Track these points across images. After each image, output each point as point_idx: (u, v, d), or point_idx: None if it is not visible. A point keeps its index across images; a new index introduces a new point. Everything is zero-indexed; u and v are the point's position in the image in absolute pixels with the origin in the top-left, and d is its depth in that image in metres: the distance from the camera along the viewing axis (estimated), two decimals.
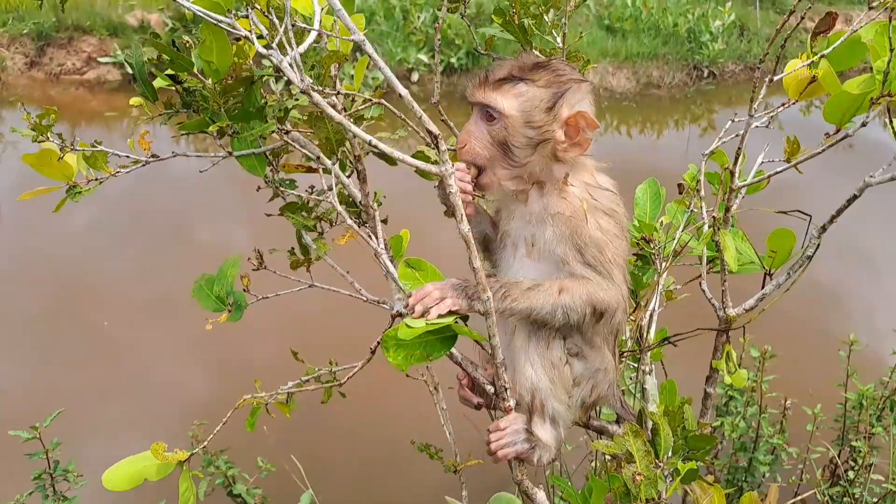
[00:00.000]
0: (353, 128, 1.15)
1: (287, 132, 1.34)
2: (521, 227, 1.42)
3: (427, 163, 1.31)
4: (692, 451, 1.46)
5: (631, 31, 9.85)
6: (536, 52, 1.55)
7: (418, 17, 9.40)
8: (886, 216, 6.40)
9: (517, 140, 1.36)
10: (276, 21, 1.11)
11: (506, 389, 1.41)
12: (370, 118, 1.46)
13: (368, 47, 1.11)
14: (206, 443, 1.38)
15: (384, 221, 1.48)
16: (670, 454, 1.44)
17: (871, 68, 1.31)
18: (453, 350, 1.49)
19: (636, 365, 1.95)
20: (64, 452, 3.22)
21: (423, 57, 9.14)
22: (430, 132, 1.16)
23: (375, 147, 1.17)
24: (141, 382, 4.63)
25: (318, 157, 1.35)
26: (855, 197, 1.35)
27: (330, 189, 1.35)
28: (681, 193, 1.89)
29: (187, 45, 1.22)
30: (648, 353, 1.93)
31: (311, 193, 1.43)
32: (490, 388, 1.45)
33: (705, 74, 9.63)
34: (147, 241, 6.01)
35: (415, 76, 9.25)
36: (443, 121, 1.26)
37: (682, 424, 1.46)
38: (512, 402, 1.42)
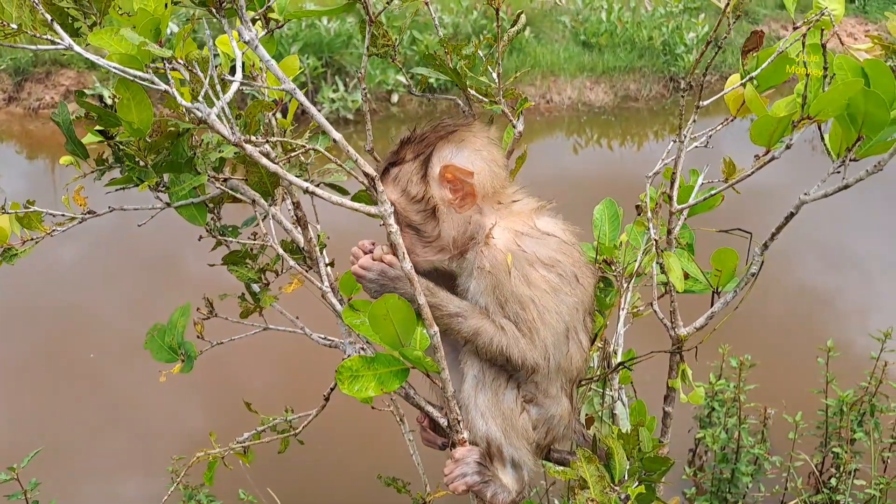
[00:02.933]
0: (290, 176, 1.16)
1: (225, 180, 1.35)
2: (463, 281, 1.44)
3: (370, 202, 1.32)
4: (648, 473, 1.47)
5: (607, 45, 9.93)
6: (472, 91, 1.55)
7: (396, 39, 9.44)
8: (872, 219, 6.46)
9: (414, 218, 1.38)
10: (200, 73, 1.12)
11: (458, 422, 1.41)
12: (309, 159, 1.47)
13: (300, 95, 1.12)
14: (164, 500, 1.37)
15: (330, 264, 1.48)
16: (626, 477, 1.44)
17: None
18: (410, 391, 1.50)
19: (602, 391, 1.95)
20: (55, 492, 3.19)
21: (402, 78, 9.18)
22: (366, 174, 1.17)
23: (314, 193, 1.18)
24: (134, 420, 4.61)
25: (254, 201, 1.36)
26: (792, 214, 1.37)
27: (268, 232, 1.36)
28: (639, 215, 1.90)
29: (116, 100, 1.23)
30: (617, 378, 1.94)
31: (254, 240, 1.43)
32: (443, 422, 1.46)
33: (682, 86, 9.71)
34: (132, 277, 5.98)
35: (394, 97, 9.30)
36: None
37: (637, 447, 1.46)
38: (466, 435, 1.43)
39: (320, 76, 9.11)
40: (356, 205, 1.26)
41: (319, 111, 1.39)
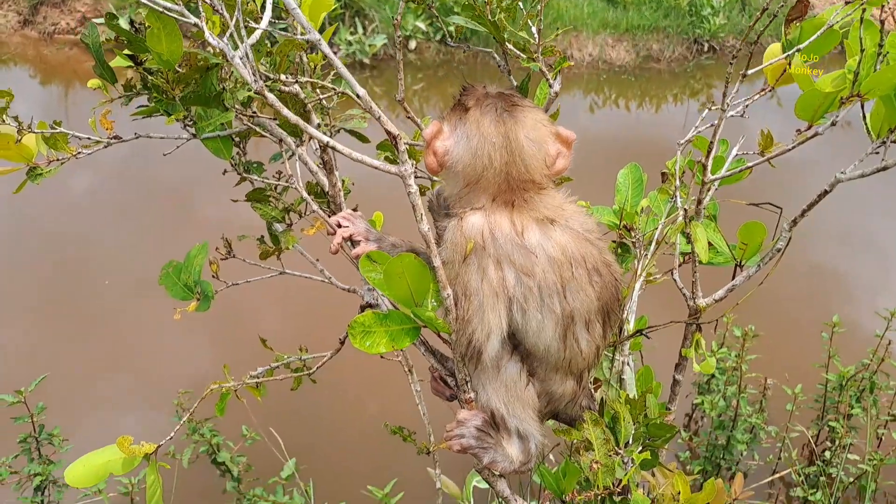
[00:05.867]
0: (310, 129, 1.13)
1: (252, 116, 1.32)
2: None
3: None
4: (652, 439, 1.48)
5: (632, 2, 9.71)
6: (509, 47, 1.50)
7: None
8: (891, 199, 6.40)
9: None
10: (227, 15, 1.09)
11: (466, 382, 1.41)
12: (332, 103, 1.44)
13: (325, 47, 1.09)
14: (171, 434, 1.39)
15: (354, 209, 1.47)
16: (630, 442, 1.45)
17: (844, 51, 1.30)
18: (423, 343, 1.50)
19: (612, 356, 1.95)
20: (62, 421, 3.26)
21: (421, 24, 9.03)
22: (388, 132, 1.15)
23: (333, 147, 1.15)
24: (139, 355, 4.66)
25: (281, 141, 1.34)
26: (826, 192, 1.34)
27: (293, 174, 1.34)
28: (664, 182, 1.88)
29: (146, 25, 1.20)
30: (628, 344, 1.94)
31: (279, 179, 1.41)
32: (451, 381, 1.46)
33: (705, 49, 9.52)
34: (146, 212, 5.97)
35: (412, 44, 9.15)
36: (409, 117, 1.24)
37: (643, 412, 1.47)
38: (472, 395, 1.43)
39: (338, 17, 8.94)
40: (376, 162, 1.24)
41: (335, 53, 1.35)
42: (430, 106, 8.46)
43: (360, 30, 8.88)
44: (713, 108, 1.46)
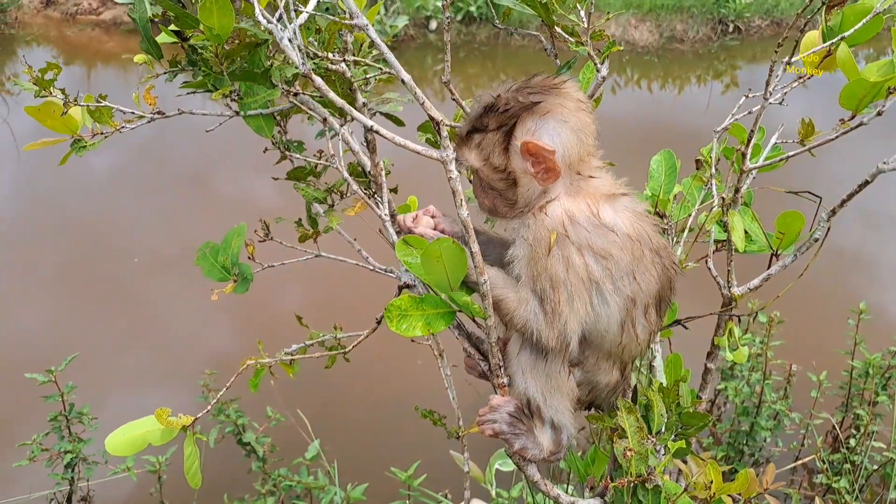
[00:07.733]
0: (354, 112, 1.13)
1: (296, 94, 1.33)
2: (512, 245, 1.39)
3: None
4: (685, 428, 1.48)
5: None
6: (558, 30, 1.48)
7: None
8: None
9: (497, 184, 1.35)
10: None
11: (500, 367, 1.42)
12: (369, 86, 1.44)
13: (372, 32, 1.09)
14: (209, 408, 1.41)
15: (393, 190, 1.46)
16: (663, 430, 1.45)
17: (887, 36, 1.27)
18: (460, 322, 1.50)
19: None
20: (86, 398, 3.31)
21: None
22: (432, 118, 1.14)
23: (377, 132, 1.15)
24: (162, 333, 4.71)
25: (326, 120, 1.34)
26: (867, 182, 1.33)
27: (343, 151, 1.34)
28: (698, 169, 1.86)
29: (193, 1, 1.21)
30: (659, 332, 1.93)
31: (320, 158, 1.42)
32: (484, 365, 1.47)
33: (730, 29, 9.38)
34: (169, 191, 6.01)
35: (433, 24, 9.10)
36: (454, 99, 1.23)
37: (676, 401, 1.47)
38: (505, 380, 1.43)
39: None
40: (418, 147, 1.24)
41: (344, 56, 1.35)
42: (452, 87, 8.41)
43: (382, 10, 8.83)
44: (751, 94, 1.44)
